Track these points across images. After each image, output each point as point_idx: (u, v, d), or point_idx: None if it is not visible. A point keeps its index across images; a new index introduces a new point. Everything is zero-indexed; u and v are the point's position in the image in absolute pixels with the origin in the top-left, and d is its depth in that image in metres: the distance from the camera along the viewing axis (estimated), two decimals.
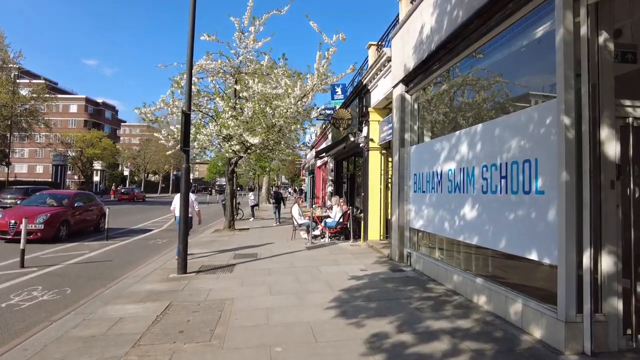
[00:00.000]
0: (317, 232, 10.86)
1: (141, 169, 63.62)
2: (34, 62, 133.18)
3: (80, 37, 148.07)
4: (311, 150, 27.42)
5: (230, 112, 10.97)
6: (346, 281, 6.23)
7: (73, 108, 70.52)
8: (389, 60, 8.44)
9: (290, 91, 10.38)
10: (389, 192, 10.21)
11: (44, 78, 73.23)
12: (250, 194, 19.81)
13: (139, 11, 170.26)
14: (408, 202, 7.53)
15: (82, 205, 12.55)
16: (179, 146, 13.45)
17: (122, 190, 40.53)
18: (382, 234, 10.12)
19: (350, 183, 14.06)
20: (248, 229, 14.29)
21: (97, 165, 58.76)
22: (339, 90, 14.62)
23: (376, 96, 9.76)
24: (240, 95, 10.83)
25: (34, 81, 36.75)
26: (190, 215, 7.69)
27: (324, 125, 22.24)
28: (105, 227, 11.69)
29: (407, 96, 7.62)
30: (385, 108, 10.16)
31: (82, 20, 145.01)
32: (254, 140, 10.13)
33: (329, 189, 17.84)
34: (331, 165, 17.89)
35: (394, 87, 8.00)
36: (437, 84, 6.82)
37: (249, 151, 12.98)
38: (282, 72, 10.94)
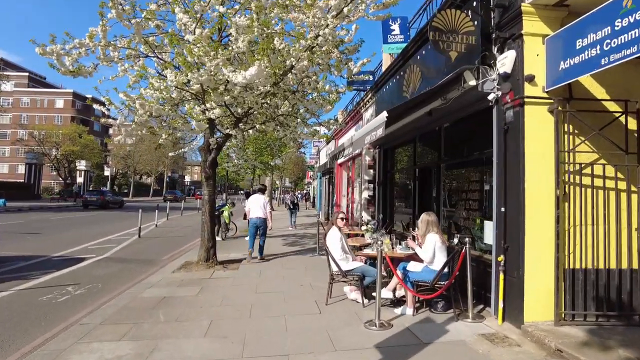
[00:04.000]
0: (387, 294, 4.89)
1: (131, 170, 57.62)
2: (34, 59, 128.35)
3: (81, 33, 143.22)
4: (328, 143, 21.53)
5: (200, 31, 5.09)
6: None
7: (59, 103, 64.89)
8: None
9: None
10: (571, 204, 4.26)
11: (28, 71, 67.81)
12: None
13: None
14: None
15: None
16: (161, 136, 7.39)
17: None
18: (561, 306, 4.12)
19: (419, 187, 8.07)
20: (240, 261, 8.33)
21: (81, 165, 52.88)
22: (395, 27, 8.71)
23: None
24: None
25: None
26: (264, 217, 8.26)
27: (349, 109, 16.35)
28: None
29: None
30: (562, 5, 4.26)
31: (81, 17, 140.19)
32: (246, 74, 4.25)
33: (365, 194, 11.86)
34: (367, 158, 11.92)
35: None
36: None
37: (240, 125, 7.06)
38: None
